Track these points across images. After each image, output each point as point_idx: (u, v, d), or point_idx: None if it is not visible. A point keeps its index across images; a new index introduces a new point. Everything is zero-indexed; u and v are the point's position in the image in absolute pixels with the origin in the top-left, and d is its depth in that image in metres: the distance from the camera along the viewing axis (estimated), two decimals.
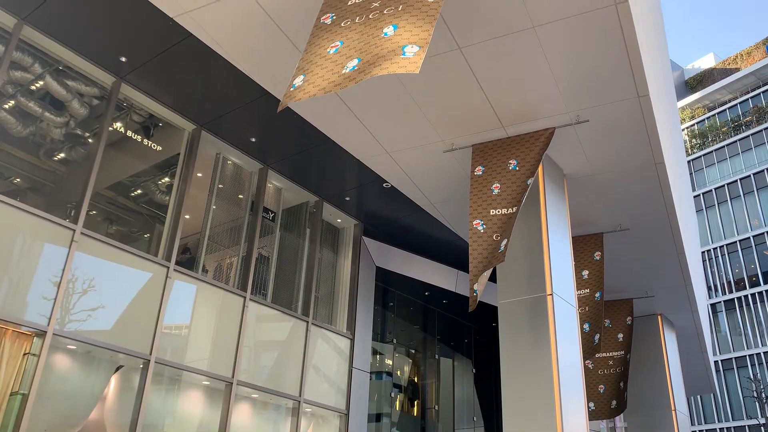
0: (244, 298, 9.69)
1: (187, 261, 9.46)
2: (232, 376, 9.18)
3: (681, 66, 55.84)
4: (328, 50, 4.96)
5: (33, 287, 7.21)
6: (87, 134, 8.65)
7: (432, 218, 11.22)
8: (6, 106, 7.97)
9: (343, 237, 12.29)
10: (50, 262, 7.43)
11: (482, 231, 7.89)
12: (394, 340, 14.63)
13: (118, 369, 8.15)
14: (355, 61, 4.61)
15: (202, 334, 9.11)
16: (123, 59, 8.13)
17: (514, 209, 7.85)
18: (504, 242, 7.61)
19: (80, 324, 7.59)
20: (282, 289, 10.74)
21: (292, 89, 4.89)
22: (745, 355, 40.05)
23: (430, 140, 8.95)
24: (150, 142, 9.27)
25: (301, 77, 4.94)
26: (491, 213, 7.97)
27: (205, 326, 9.18)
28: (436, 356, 15.85)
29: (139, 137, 9.14)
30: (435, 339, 15.91)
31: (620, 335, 12.95)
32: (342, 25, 5.05)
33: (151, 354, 8.16)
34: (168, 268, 8.63)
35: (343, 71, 4.62)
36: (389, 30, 4.68)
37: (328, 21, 5.27)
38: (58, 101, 8.34)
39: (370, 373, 11.96)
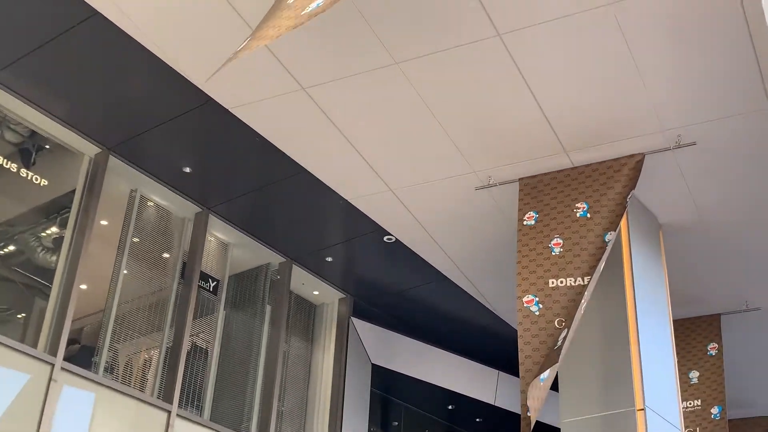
0: (169, 413, 9.50)
1: (78, 355, 9.35)
2: None
3: None
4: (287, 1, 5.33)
5: None
6: None
7: (457, 289, 11.27)
8: None
9: (323, 318, 12.26)
10: None
11: (537, 312, 7.97)
12: None
13: None
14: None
15: None
16: None
17: (586, 280, 7.92)
18: (564, 332, 7.65)
19: None
20: (227, 400, 10.63)
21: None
22: None
23: (456, 171, 9.02)
24: (30, 174, 9.16)
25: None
26: (551, 284, 8.07)
27: None
28: None
29: (13, 166, 9.07)
30: None
31: None
32: None
33: None
34: (53, 366, 8.46)
35: (303, 12, 5.03)
36: None
37: None
38: None
39: None
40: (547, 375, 7.44)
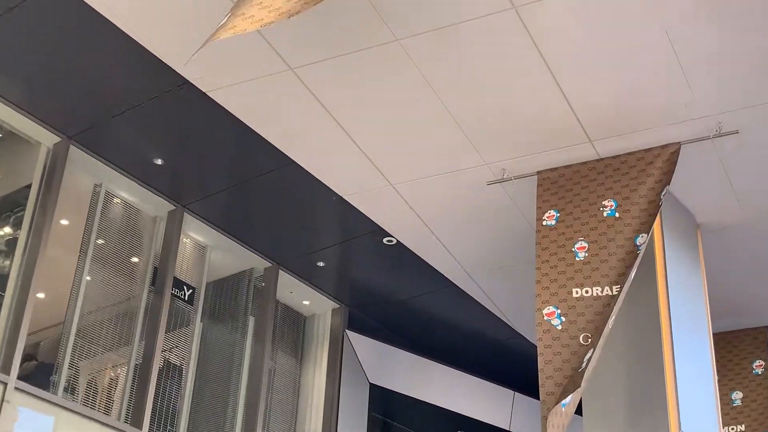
0: None
1: (35, 373, 9.28)
2: None
3: None
4: None
5: None
6: None
7: (466, 298, 11.26)
8: None
9: (313, 331, 12.24)
10: None
11: (559, 326, 7.91)
12: None
13: None
14: None
15: None
16: None
17: (615, 289, 7.81)
18: (590, 352, 7.56)
19: None
20: (204, 425, 10.59)
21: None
22: None
23: (465, 164, 8.98)
24: None
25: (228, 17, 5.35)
26: (574, 294, 8.01)
27: None
28: None
29: None
30: None
31: None
32: None
33: None
34: (5, 385, 8.40)
35: None
36: None
37: None
38: None
39: None
40: (569, 400, 7.37)
